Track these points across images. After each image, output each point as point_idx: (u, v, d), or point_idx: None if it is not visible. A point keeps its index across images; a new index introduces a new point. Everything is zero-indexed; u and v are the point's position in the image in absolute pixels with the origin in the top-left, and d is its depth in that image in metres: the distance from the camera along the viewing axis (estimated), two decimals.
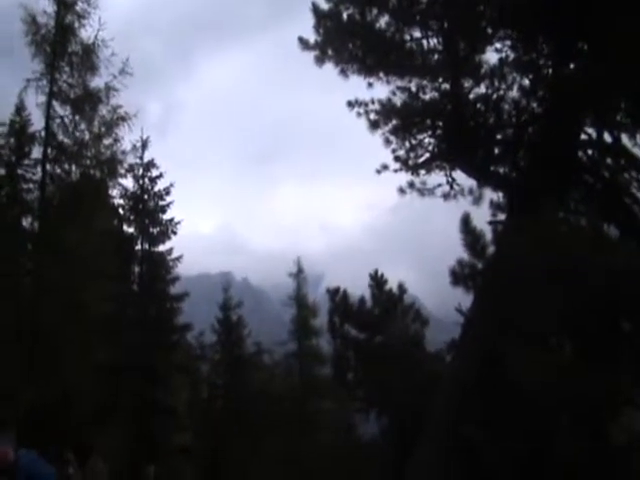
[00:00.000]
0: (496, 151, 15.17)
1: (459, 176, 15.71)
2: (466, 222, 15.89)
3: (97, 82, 21.83)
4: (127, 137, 22.47)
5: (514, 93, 14.77)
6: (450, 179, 15.67)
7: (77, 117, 21.48)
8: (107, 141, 21.75)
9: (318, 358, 36.10)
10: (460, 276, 15.50)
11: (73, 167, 21.67)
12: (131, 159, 26.95)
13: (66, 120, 21.50)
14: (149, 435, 28.86)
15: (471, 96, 14.90)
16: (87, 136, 21.59)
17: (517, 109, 14.76)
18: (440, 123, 15.23)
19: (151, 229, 32.13)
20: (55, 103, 21.47)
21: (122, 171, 23.39)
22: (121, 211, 32.02)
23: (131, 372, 28.78)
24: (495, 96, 14.66)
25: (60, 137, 21.62)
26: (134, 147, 26.30)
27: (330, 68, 15.42)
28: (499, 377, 11.81)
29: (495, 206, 15.73)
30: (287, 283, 38.31)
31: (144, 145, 32.27)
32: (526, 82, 14.76)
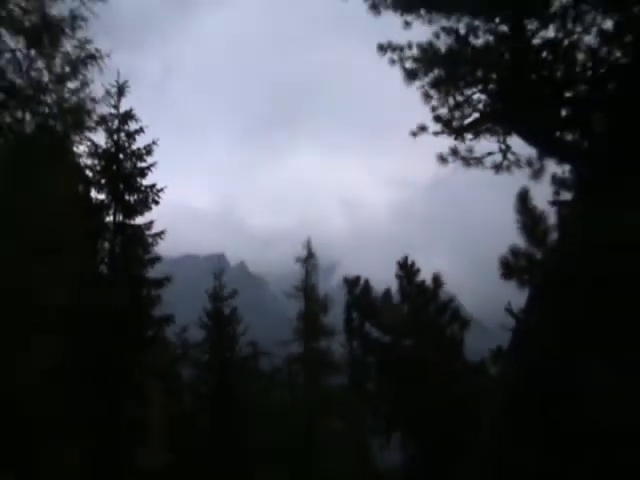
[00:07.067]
0: (564, 112, 14.79)
1: (515, 143, 15.48)
2: (523, 200, 16.28)
3: (60, 9, 21.06)
4: (98, 80, 22.38)
5: (591, 38, 14.19)
6: (504, 146, 15.46)
7: (33, 52, 20.73)
8: (72, 84, 21.37)
9: (329, 364, 35.88)
10: (513, 268, 15.85)
11: (27, 115, 21.17)
12: (103, 109, 27.67)
13: (19, 55, 20.66)
14: (113, 454, 28.70)
15: (535, 41, 14.49)
16: (46, 77, 21.02)
17: (594, 59, 14.17)
18: (494, 75, 14.99)
19: (127, 196, 32.00)
20: (4, 33, 20.61)
21: (91, 123, 23.09)
22: (89, 173, 31.79)
23: (92, 375, 28.30)
24: (566, 42, 14.21)
25: (11, 76, 20.85)
26: (107, 94, 28.53)
27: (358, 3, 15.00)
28: (563, 397, 11.30)
29: (559, 182, 15.60)
30: (293, 271, 38.60)
31: (120, 91, 32.24)
32: (608, 24, 14.11)
